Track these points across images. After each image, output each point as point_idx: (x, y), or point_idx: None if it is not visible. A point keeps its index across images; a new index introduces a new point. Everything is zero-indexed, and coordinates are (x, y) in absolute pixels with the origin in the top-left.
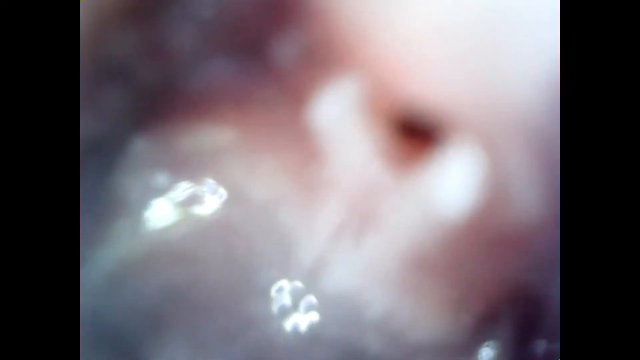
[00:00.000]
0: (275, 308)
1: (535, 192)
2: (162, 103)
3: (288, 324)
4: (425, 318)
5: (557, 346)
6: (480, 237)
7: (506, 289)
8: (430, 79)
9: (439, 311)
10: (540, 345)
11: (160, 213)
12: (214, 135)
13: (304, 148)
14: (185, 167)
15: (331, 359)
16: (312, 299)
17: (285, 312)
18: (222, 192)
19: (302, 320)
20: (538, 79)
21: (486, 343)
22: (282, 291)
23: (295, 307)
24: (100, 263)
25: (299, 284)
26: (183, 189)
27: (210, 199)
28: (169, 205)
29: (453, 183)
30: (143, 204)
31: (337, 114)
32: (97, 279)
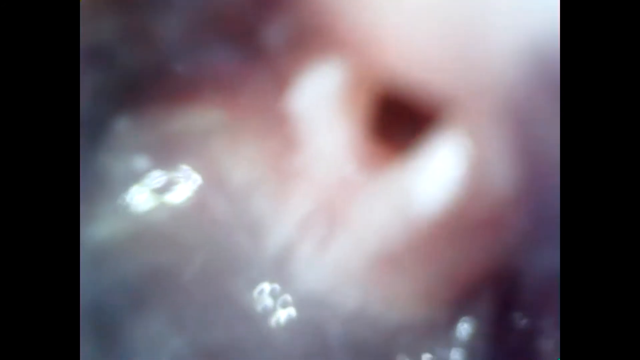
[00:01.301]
0: (258, 304)
1: (511, 173)
2: (148, 86)
3: (269, 314)
4: (401, 303)
5: (533, 320)
6: (457, 223)
7: (482, 269)
8: (414, 59)
9: (415, 295)
10: (518, 320)
11: (139, 196)
12: (199, 119)
13: (283, 134)
14: (167, 150)
15: (309, 345)
16: (287, 296)
17: (265, 306)
18: (197, 178)
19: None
20: (523, 59)
21: (463, 319)
22: (262, 292)
23: (274, 301)
24: (81, 243)
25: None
26: (160, 174)
27: (186, 184)
28: (147, 188)
29: (438, 167)
30: (123, 185)
31: (317, 99)
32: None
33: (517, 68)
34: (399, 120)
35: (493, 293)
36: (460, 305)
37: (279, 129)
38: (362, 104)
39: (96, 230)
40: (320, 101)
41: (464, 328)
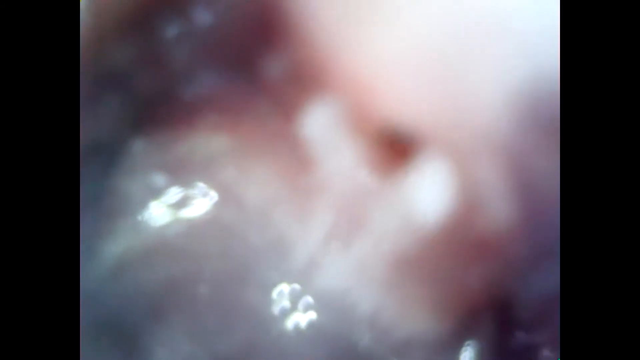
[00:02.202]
0: (275, 309)
1: (504, 198)
2: (160, 110)
3: (285, 320)
4: (410, 314)
5: (535, 339)
6: (456, 242)
7: (483, 287)
8: (406, 98)
9: (422, 307)
10: (520, 339)
11: (156, 212)
12: (207, 142)
13: (292, 158)
14: (180, 170)
15: (324, 353)
16: (309, 299)
17: (284, 311)
18: (213, 195)
19: (299, 317)
20: (504, 97)
21: (467, 342)
22: (282, 294)
23: (293, 307)
24: (101, 257)
25: (296, 285)
26: (177, 192)
27: (202, 201)
28: (164, 206)
29: (428, 192)
30: (141, 203)
31: (322, 128)
32: (99, 272)
33: (507, 109)
34: (394, 155)
35: (491, 316)
36: (465, 321)
37: (286, 152)
38: (364, 129)
39: (116, 244)
40: (327, 129)
41: (469, 349)
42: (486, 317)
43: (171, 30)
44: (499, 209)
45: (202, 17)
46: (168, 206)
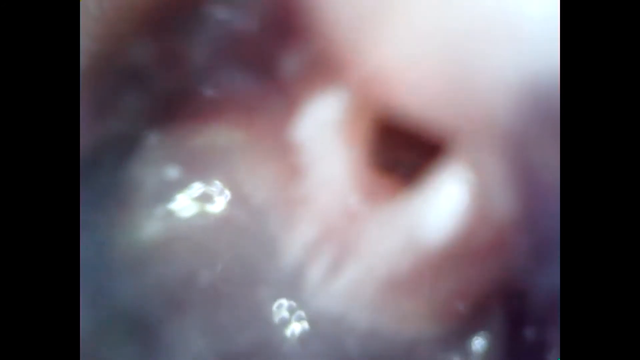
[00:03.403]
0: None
1: (509, 194)
2: (176, 106)
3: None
4: (412, 319)
5: (545, 335)
6: (462, 248)
7: (487, 291)
8: (417, 92)
9: (424, 312)
10: (530, 334)
11: (174, 206)
12: (221, 138)
13: (288, 159)
14: (194, 164)
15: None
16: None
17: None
18: (227, 193)
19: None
20: (518, 93)
21: (477, 336)
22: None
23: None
24: (118, 247)
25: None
26: (194, 187)
27: (218, 198)
28: (180, 200)
29: (440, 208)
30: (157, 194)
31: (322, 127)
32: (116, 262)
33: (517, 100)
34: (402, 150)
35: (500, 311)
36: (469, 324)
37: (285, 154)
38: (366, 133)
39: (131, 235)
40: (325, 129)
41: (477, 343)
42: (494, 314)
43: (190, 28)
44: (505, 208)
45: (221, 16)
46: (185, 200)
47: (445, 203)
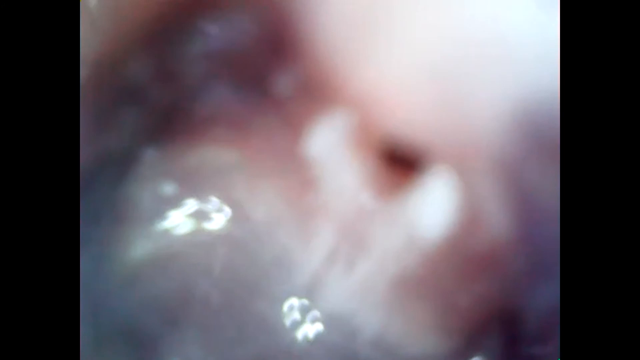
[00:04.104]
0: (286, 321)
1: (505, 211)
2: (172, 123)
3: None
4: (417, 331)
5: (542, 350)
6: (459, 257)
7: (487, 301)
8: (412, 114)
9: (428, 324)
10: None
11: (170, 223)
12: (217, 156)
13: (299, 175)
14: (190, 182)
15: None
16: (316, 313)
17: (294, 324)
18: (227, 210)
19: (308, 328)
20: (506, 112)
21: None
22: (292, 308)
23: (302, 319)
24: (115, 261)
25: (305, 301)
26: (190, 204)
27: (217, 215)
28: (176, 217)
29: (432, 208)
30: (153, 210)
31: (329, 145)
32: (114, 276)
33: (510, 122)
34: (400, 169)
35: (497, 332)
36: (467, 344)
37: (294, 170)
38: (371, 145)
39: (128, 251)
40: (328, 148)
41: None
42: (492, 333)
43: (186, 46)
44: (501, 224)
45: (216, 34)
46: (178, 216)
47: (437, 221)
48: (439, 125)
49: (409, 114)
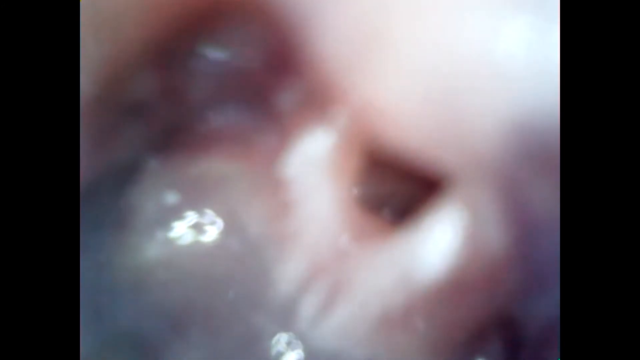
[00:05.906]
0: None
1: (504, 230)
2: (175, 137)
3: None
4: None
5: None
6: (457, 289)
7: (483, 325)
8: (406, 129)
9: (421, 349)
10: None
11: (172, 233)
12: (217, 170)
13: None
14: (190, 193)
15: None
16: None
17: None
18: (220, 222)
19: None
20: (505, 129)
21: None
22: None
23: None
24: (118, 269)
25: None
26: (189, 215)
27: (210, 227)
28: (177, 226)
29: (432, 250)
30: (155, 219)
31: (313, 162)
32: (116, 284)
33: (508, 137)
34: (393, 186)
35: (494, 346)
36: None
37: (276, 189)
38: (356, 169)
39: (130, 259)
40: (316, 164)
41: None
42: (490, 348)
43: (190, 64)
44: (500, 245)
45: (219, 52)
46: (181, 228)
47: (437, 240)
48: (436, 141)
49: (404, 130)
